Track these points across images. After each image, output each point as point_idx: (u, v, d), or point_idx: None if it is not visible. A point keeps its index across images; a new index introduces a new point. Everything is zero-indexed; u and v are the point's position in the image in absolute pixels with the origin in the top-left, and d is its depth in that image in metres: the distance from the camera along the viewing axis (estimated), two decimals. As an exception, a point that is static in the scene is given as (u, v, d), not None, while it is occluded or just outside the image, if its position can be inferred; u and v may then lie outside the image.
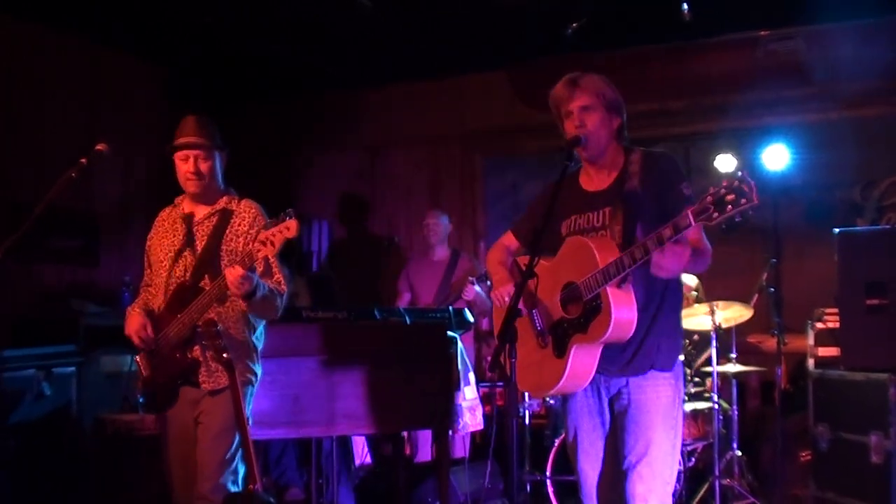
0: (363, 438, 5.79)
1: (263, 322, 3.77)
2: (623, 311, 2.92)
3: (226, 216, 3.68)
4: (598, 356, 3.02)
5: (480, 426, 4.53)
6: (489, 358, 6.15)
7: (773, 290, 5.66)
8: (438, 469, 4.54)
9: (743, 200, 2.58)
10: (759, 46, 6.68)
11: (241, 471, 3.56)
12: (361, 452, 5.87)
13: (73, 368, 5.54)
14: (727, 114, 6.84)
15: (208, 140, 3.66)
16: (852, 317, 4.83)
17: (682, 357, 3.27)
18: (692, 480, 5.31)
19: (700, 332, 5.55)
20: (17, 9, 6.17)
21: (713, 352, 5.33)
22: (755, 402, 6.77)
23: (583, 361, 3.03)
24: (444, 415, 4.38)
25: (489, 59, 7.29)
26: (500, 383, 5.80)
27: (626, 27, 6.48)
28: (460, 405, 4.38)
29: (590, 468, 3.18)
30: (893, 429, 4.42)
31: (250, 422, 3.69)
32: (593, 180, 3.21)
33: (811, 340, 5.27)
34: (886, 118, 6.70)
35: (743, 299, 5.54)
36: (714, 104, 6.93)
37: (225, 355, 3.37)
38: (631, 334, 2.95)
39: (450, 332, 4.52)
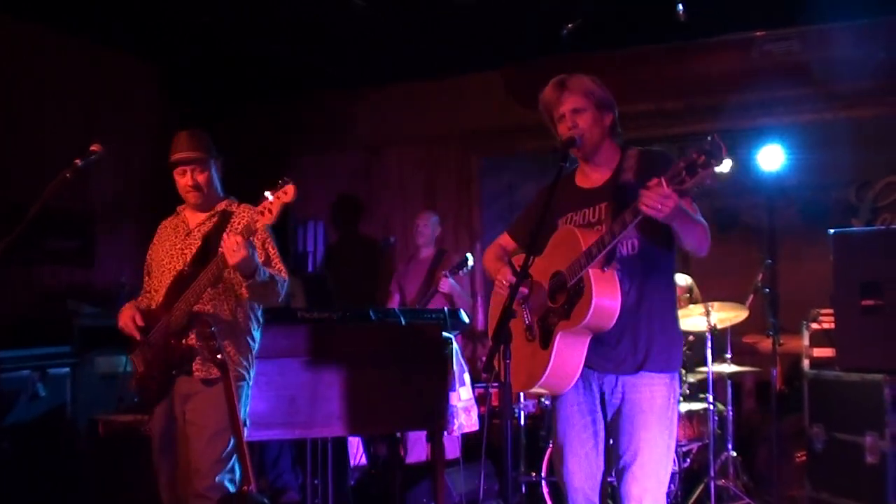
0: (358, 440, 5.79)
1: (261, 321, 3.82)
2: (605, 294, 2.90)
3: (225, 217, 3.78)
4: (585, 347, 3.00)
5: (476, 427, 4.53)
6: (483, 359, 6.16)
7: (768, 290, 5.66)
8: (433, 470, 4.54)
9: (713, 161, 2.59)
10: (755, 47, 6.68)
11: (238, 470, 3.56)
12: (356, 454, 5.86)
13: (67, 369, 5.54)
14: (723, 114, 6.84)
15: (203, 153, 3.77)
16: (847, 317, 4.84)
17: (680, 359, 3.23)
18: (687, 481, 5.30)
19: (695, 333, 5.56)
20: (16, 9, 6.17)
21: (708, 352, 5.34)
22: (750, 403, 6.79)
23: (568, 351, 2.99)
24: (439, 416, 4.38)
25: (487, 59, 7.29)
26: (495, 384, 5.81)
27: (623, 27, 6.48)
28: (455, 406, 4.38)
29: (577, 468, 3.13)
30: (888, 429, 4.42)
31: (247, 424, 3.70)
32: (589, 177, 3.22)
33: (806, 341, 5.28)
34: (882, 119, 6.71)
35: (738, 300, 5.55)
36: (710, 104, 6.93)
37: (219, 356, 3.38)
38: (614, 320, 2.93)
39: (445, 333, 4.52)
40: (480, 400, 5.60)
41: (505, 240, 3.48)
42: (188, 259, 3.73)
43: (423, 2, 6.19)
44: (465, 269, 5.99)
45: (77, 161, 3.38)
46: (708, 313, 5.33)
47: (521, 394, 5.43)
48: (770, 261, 5.83)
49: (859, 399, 4.64)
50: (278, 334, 4.17)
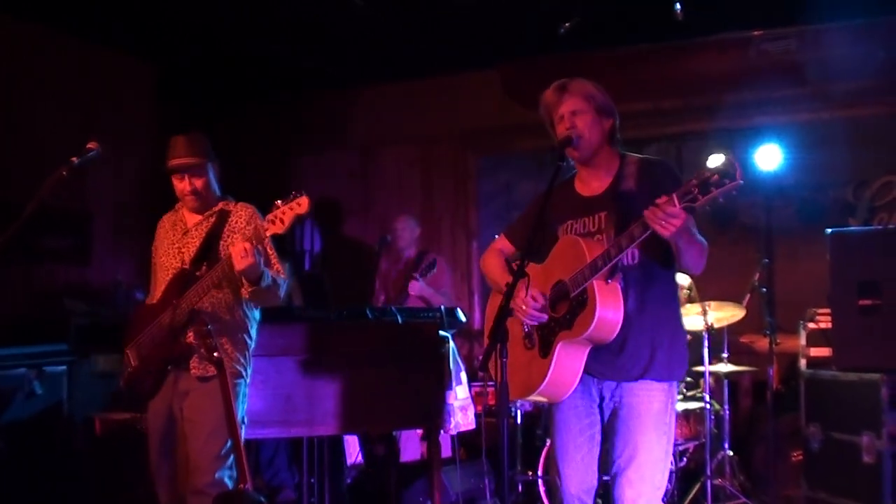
0: (355, 438, 5.78)
1: (258, 319, 3.84)
2: (608, 306, 2.90)
3: (223, 216, 3.82)
4: (585, 357, 2.99)
5: (472, 426, 4.52)
6: (480, 357, 6.15)
7: (765, 289, 5.67)
8: (429, 469, 4.54)
9: (727, 181, 2.58)
10: (753, 46, 6.68)
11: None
12: (353, 452, 5.86)
13: (64, 367, 5.52)
14: (720, 113, 6.83)
15: (200, 158, 3.78)
16: (844, 317, 4.83)
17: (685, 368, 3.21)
18: (683, 480, 5.31)
19: (692, 332, 5.55)
20: (15, 8, 6.16)
21: (705, 352, 5.34)
22: (747, 402, 6.78)
23: (568, 361, 2.99)
24: (436, 414, 4.37)
25: (484, 57, 7.28)
26: (492, 383, 5.80)
27: (621, 26, 6.48)
28: (451, 405, 4.38)
29: (572, 473, 3.12)
30: (885, 429, 4.42)
31: (245, 422, 3.71)
32: (588, 185, 3.19)
33: (803, 340, 5.28)
34: (879, 118, 6.70)
35: (735, 299, 5.55)
36: (707, 104, 6.93)
37: (216, 354, 3.40)
38: (616, 332, 2.92)
39: (441, 332, 4.52)
40: (477, 399, 5.61)
41: (502, 243, 3.46)
42: (187, 258, 3.76)
43: (421, 1, 6.19)
44: (432, 271, 5.99)
45: (73, 159, 3.36)
46: (705, 312, 5.33)
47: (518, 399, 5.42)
48: (767, 260, 5.83)
49: (856, 399, 4.64)
50: (275, 332, 4.17)
